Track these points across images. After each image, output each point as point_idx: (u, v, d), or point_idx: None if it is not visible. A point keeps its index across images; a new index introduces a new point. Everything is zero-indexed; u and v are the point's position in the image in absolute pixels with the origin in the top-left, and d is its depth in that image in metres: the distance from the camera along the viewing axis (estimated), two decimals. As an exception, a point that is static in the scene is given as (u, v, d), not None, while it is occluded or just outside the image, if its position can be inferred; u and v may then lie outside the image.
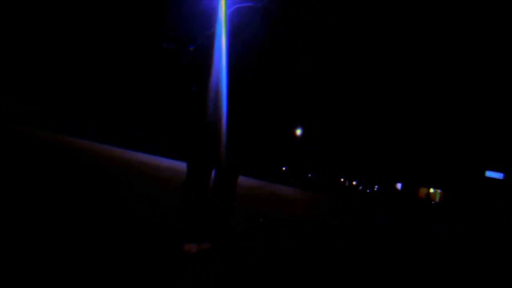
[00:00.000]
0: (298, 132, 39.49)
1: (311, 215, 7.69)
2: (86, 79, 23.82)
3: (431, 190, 45.33)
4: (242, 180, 12.04)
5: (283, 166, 48.23)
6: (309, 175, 58.87)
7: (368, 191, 61.15)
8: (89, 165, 6.91)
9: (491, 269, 5.39)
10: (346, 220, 8.46)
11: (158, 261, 2.23)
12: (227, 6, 2.43)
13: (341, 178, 64.35)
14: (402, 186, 47.81)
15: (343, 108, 43.32)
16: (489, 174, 36.25)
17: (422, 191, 45.23)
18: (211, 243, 2.52)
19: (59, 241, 2.17)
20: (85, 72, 23.85)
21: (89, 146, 12.51)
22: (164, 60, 24.53)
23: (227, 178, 2.51)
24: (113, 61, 24.34)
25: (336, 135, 48.86)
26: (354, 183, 68.95)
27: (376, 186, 61.15)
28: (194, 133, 2.45)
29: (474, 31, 32.89)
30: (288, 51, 2.54)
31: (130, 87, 24.75)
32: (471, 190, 35.84)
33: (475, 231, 14.87)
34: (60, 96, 22.09)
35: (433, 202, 41.73)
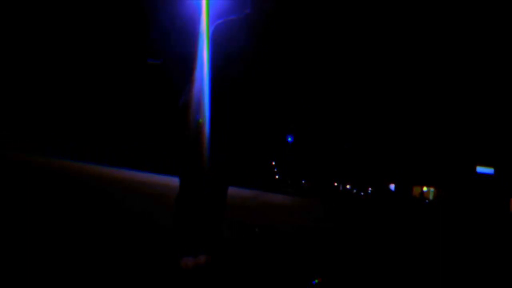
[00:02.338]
0: (289, 139, 39.61)
1: (306, 222, 7.71)
2: (69, 98, 23.63)
3: (425, 189, 45.56)
4: (236, 191, 12.03)
5: (276, 175, 48.22)
6: (302, 181, 58.92)
7: (361, 194, 61.30)
8: (79, 185, 6.87)
9: (488, 267, 5.44)
10: (341, 225, 8.48)
11: (157, 277, 2.23)
12: (210, 21, 2.47)
13: (334, 182, 64.49)
14: (395, 187, 48.02)
15: (332, 112, 43.55)
16: (479, 170, 36.59)
17: (416, 190, 45.43)
18: (208, 256, 2.53)
19: (59, 258, 2.17)
20: (69, 91, 23.67)
21: (75, 167, 12.40)
22: (150, 75, 24.52)
23: (215, 189, 2.53)
24: (98, 79, 24.25)
25: (326, 140, 49.05)
26: (347, 186, 69.10)
27: (369, 188, 61.33)
28: (179, 147, 2.48)
29: (461, 27, 33.33)
30: (273, 61, 2.58)
31: (116, 105, 24.64)
32: (463, 187, 36.10)
33: (469, 228, 14.97)
34: (40, 116, 21.86)
35: (426, 201, 41.93)
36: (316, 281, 2.81)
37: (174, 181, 2.66)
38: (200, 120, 2.35)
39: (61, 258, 2.28)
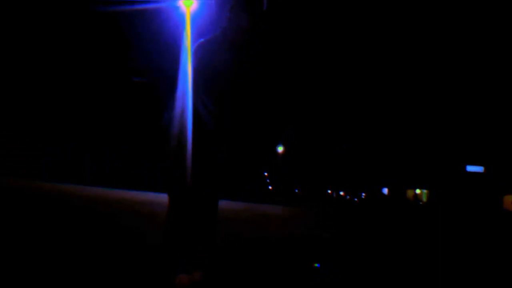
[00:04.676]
0: (280, 149, 39.66)
1: (301, 232, 7.69)
2: (52, 118, 23.38)
3: (418, 191, 45.71)
4: (228, 204, 11.95)
5: (268, 185, 48.15)
6: (296, 191, 58.89)
7: (355, 199, 61.39)
8: (67, 207, 6.78)
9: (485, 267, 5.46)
10: (336, 232, 8.48)
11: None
12: (192, 37, 2.50)
13: (327, 190, 64.54)
14: (388, 191, 48.15)
15: (320, 120, 43.75)
16: (469, 168, 36.90)
17: (409, 192, 45.55)
18: (202, 272, 2.51)
19: (55, 277, 2.13)
20: (51, 110, 23.44)
21: (60, 188, 12.24)
22: (133, 93, 24.46)
23: (205, 204, 2.53)
24: (81, 97, 24.08)
25: (317, 148, 49.21)
26: (341, 193, 69.15)
27: (362, 194, 61.46)
28: (165, 163, 2.49)
29: (447, 28, 33.66)
30: (256, 77, 2.62)
31: (100, 124, 24.48)
32: (455, 187, 36.34)
33: (464, 227, 15.05)
34: (24, 136, 21.55)
35: (420, 203, 42.08)
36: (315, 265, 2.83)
37: (163, 198, 2.66)
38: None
39: (57, 277, 2.25)
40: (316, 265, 2.89)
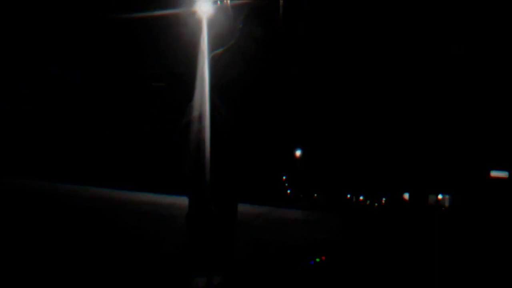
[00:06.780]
0: (298, 153, 39.54)
1: (320, 237, 7.61)
2: (71, 120, 23.86)
3: (440, 197, 44.86)
4: (248, 208, 11.95)
5: (287, 189, 48.00)
6: (315, 195, 58.52)
7: (375, 204, 60.62)
8: (87, 211, 6.85)
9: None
10: (355, 238, 8.37)
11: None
12: (209, 42, 2.52)
13: (347, 194, 63.95)
14: (409, 196, 47.35)
15: (340, 123, 43.45)
16: (494, 173, 36.02)
17: (431, 198, 44.73)
18: (221, 276, 2.49)
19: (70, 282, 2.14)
20: (70, 113, 23.92)
21: (79, 191, 12.37)
22: (153, 97, 24.79)
23: (224, 206, 2.51)
24: (100, 102, 24.51)
25: (336, 151, 48.86)
26: (361, 198, 68.40)
27: (383, 199, 60.65)
28: (184, 166, 2.49)
29: (476, 31, 32.96)
30: (270, 84, 2.62)
31: (119, 128, 24.85)
32: (478, 192, 35.49)
33: (488, 233, 14.67)
34: (37, 138, 21.96)
35: (442, 209, 41.28)
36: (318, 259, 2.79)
37: (182, 201, 2.67)
38: None
39: (72, 282, 2.26)
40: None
